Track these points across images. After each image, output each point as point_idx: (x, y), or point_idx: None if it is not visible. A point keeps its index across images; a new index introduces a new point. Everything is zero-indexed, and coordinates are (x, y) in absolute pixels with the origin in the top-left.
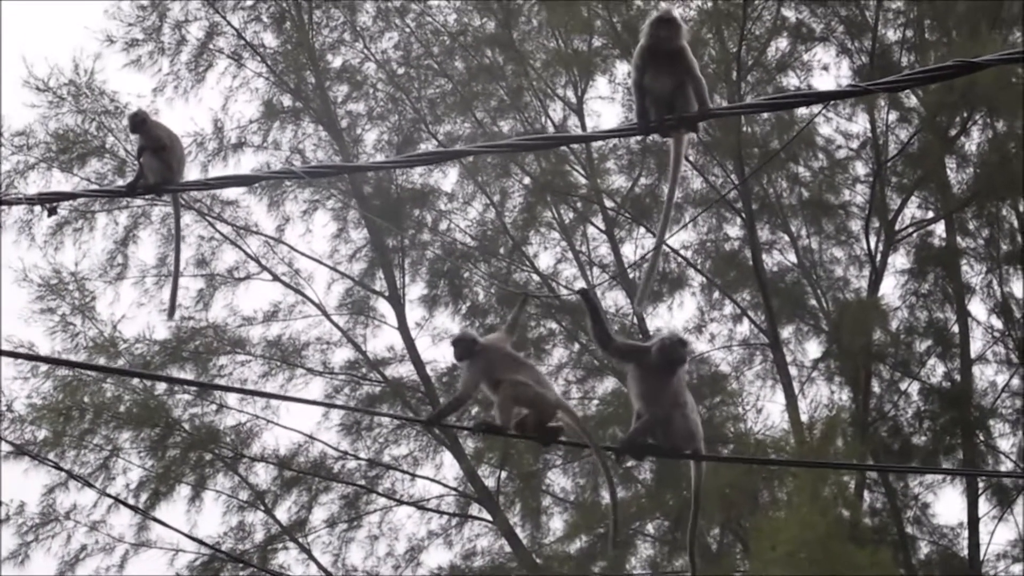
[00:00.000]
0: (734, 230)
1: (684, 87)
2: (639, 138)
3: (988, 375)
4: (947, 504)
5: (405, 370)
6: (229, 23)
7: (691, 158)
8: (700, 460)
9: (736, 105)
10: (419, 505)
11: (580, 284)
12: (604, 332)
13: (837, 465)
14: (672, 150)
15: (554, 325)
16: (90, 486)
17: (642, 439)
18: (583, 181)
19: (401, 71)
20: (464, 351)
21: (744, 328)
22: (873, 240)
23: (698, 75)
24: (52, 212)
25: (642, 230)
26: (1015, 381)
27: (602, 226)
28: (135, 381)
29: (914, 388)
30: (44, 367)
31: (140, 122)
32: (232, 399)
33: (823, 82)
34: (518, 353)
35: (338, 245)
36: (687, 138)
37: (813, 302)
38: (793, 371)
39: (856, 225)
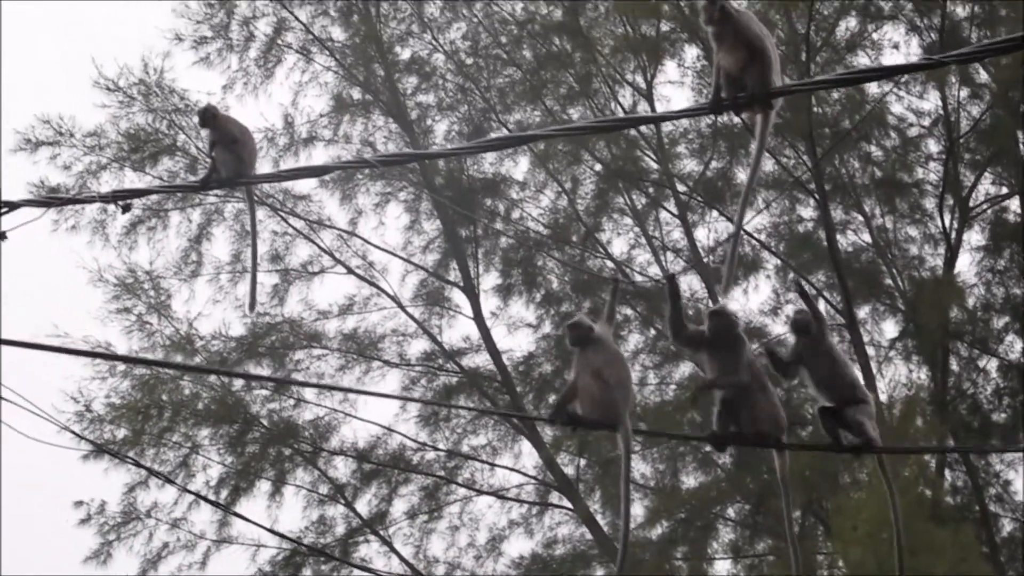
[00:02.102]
0: (807, 211)
1: (753, 64)
2: (709, 121)
3: None
4: None
5: (481, 360)
6: (296, 18)
7: None
8: (782, 448)
9: (805, 81)
10: (499, 495)
11: (654, 270)
12: (679, 321)
13: (919, 450)
14: (757, 130)
15: (630, 311)
16: (171, 483)
17: (722, 431)
18: (654, 166)
19: (469, 61)
20: (579, 339)
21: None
22: (947, 218)
23: (764, 51)
24: (126, 209)
25: (715, 214)
26: None
27: (675, 211)
28: (212, 378)
29: (992, 365)
30: (121, 367)
31: (210, 117)
32: (310, 393)
33: (893, 60)
34: (621, 353)
35: (411, 237)
36: (771, 118)
37: (888, 281)
38: (870, 351)
39: (930, 203)
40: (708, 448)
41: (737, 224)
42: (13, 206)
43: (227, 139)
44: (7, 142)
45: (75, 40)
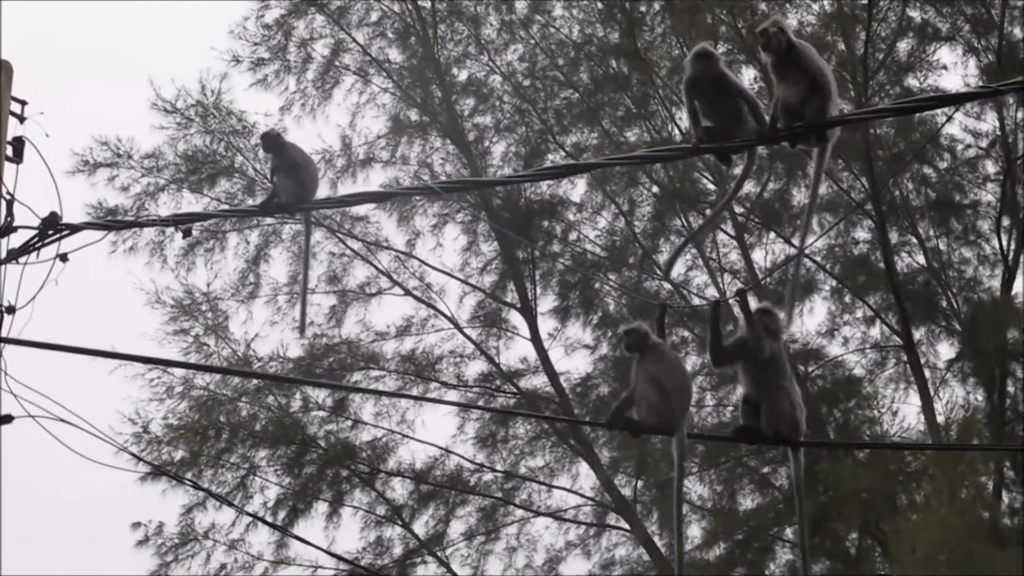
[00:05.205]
0: (862, 233)
1: (814, 97)
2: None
3: None
4: None
5: (539, 381)
6: (354, 40)
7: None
8: (798, 446)
9: (860, 112)
10: (556, 516)
11: (711, 291)
12: (720, 347)
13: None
14: (814, 161)
15: (687, 333)
16: (229, 505)
17: (747, 424)
18: (711, 188)
19: (527, 83)
20: (634, 344)
21: (876, 331)
22: (1005, 239)
23: (826, 85)
24: (187, 234)
25: (772, 235)
26: None
27: (732, 232)
28: (270, 399)
29: None
30: (179, 388)
31: (275, 142)
32: (367, 415)
33: (949, 81)
34: (680, 361)
35: (469, 258)
36: (827, 151)
37: (944, 303)
38: (927, 373)
39: (986, 224)
40: (766, 470)
41: (797, 256)
42: (75, 228)
43: (289, 165)
44: (65, 164)
45: (133, 61)
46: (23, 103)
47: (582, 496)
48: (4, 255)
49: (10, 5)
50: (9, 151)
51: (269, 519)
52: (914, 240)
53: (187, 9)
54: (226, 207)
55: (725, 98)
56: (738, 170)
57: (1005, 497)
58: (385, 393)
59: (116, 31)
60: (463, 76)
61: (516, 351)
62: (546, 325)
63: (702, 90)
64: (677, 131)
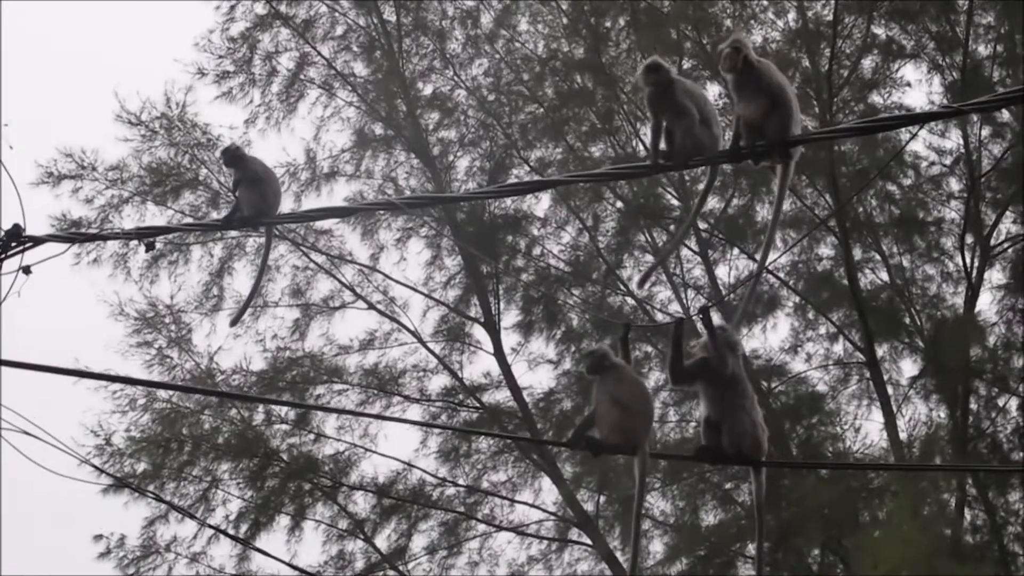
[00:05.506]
0: (826, 249)
1: (774, 114)
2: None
3: None
4: None
5: (502, 396)
6: (319, 53)
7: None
8: (760, 466)
9: (824, 130)
10: (519, 531)
11: (675, 307)
12: (679, 365)
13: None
14: (777, 178)
15: (650, 348)
16: (191, 517)
17: (709, 445)
18: (676, 203)
19: (492, 97)
20: (594, 366)
21: (839, 348)
22: (968, 256)
23: (786, 102)
24: (150, 247)
25: (736, 251)
26: None
27: (696, 248)
28: (233, 412)
29: (1013, 404)
30: (142, 400)
31: (235, 155)
32: (330, 428)
33: (914, 98)
34: (641, 380)
35: (432, 272)
36: (791, 168)
37: (908, 320)
38: (890, 390)
39: (950, 242)
40: (729, 486)
41: (758, 270)
42: (38, 241)
43: (251, 178)
44: (29, 175)
45: (98, 74)
46: None
47: (544, 511)
48: None
49: (10, 5)
50: None
51: (231, 532)
52: (878, 257)
53: (182, 10)
54: (190, 220)
55: (680, 109)
56: (701, 185)
57: (967, 514)
58: (346, 411)
59: (82, 41)
60: (428, 90)
61: (479, 366)
62: (509, 340)
63: (661, 103)
64: (641, 146)
